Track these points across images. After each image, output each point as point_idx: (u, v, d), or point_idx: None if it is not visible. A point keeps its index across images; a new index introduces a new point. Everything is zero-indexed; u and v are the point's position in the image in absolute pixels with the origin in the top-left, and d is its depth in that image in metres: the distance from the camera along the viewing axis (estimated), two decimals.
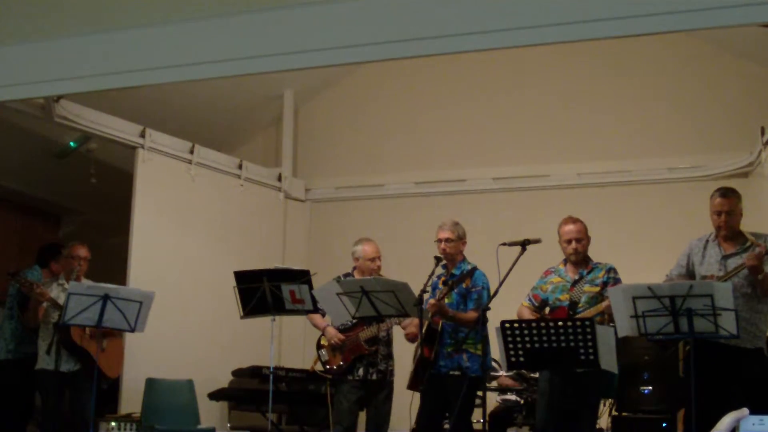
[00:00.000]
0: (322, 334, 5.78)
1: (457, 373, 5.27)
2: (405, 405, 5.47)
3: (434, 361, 5.30)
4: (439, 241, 5.47)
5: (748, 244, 4.76)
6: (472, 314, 5.24)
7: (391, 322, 5.64)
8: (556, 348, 4.37)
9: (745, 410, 1.40)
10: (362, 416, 5.81)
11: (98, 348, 5.59)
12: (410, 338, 5.58)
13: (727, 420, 1.40)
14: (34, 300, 5.81)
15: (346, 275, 5.76)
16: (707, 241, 4.94)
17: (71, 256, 5.97)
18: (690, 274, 4.92)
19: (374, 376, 5.64)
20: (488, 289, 5.30)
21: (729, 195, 4.87)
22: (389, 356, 5.75)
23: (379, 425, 5.68)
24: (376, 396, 5.66)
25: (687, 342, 4.58)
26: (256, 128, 9.37)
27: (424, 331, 5.25)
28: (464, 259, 5.51)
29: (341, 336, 5.67)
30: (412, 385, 5.44)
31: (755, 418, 1.38)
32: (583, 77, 8.15)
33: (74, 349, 5.73)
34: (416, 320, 5.39)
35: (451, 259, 5.48)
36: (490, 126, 8.45)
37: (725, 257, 4.82)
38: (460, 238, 5.49)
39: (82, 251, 6.00)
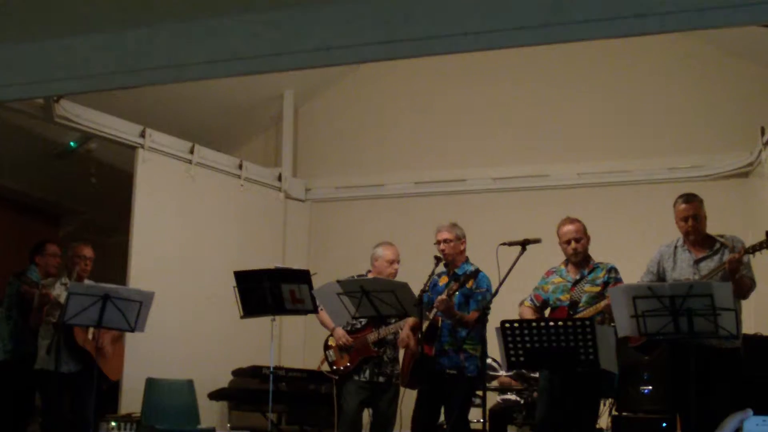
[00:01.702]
0: (330, 335, 5.79)
1: (453, 372, 5.27)
2: (407, 405, 5.48)
3: (434, 358, 5.29)
4: (438, 242, 5.48)
5: (718, 246, 4.82)
6: (475, 315, 5.25)
7: (399, 326, 5.65)
8: (556, 348, 4.37)
9: (749, 410, 1.40)
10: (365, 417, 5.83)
11: (96, 348, 5.59)
12: (402, 345, 5.58)
13: (730, 421, 1.39)
14: (38, 301, 5.80)
15: (360, 276, 5.77)
16: (676, 246, 4.99)
17: (76, 255, 5.96)
18: (661, 280, 4.93)
19: (380, 379, 5.65)
20: (491, 292, 5.31)
21: (692, 200, 4.92)
22: (395, 359, 5.76)
23: (384, 426, 5.69)
24: (382, 398, 5.66)
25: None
26: (256, 128, 9.37)
27: (425, 328, 5.25)
28: (467, 260, 5.52)
29: (349, 338, 5.67)
30: (411, 383, 5.44)
31: (759, 419, 1.38)
32: (583, 77, 8.15)
33: (76, 350, 5.73)
34: (408, 331, 5.41)
35: (452, 260, 5.48)
36: (490, 126, 8.44)
37: (697, 261, 4.87)
38: (459, 239, 5.50)
39: (88, 251, 6.00)
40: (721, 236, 4.86)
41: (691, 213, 4.87)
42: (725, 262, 4.65)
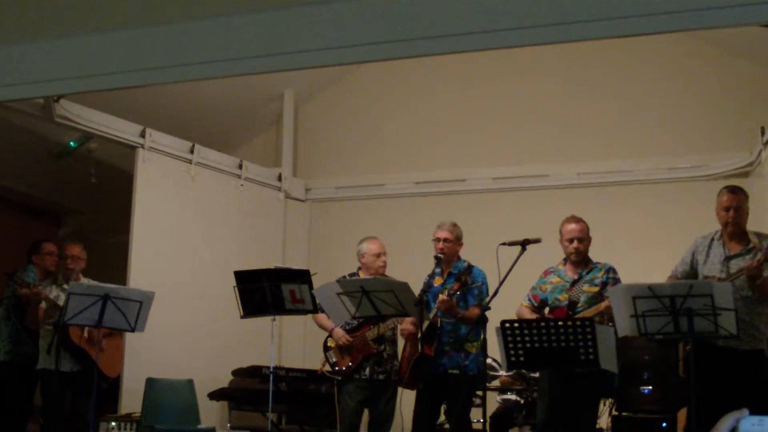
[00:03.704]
0: (329, 336, 5.77)
1: (456, 371, 5.27)
2: (407, 405, 5.47)
3: (434, 358, 5.29)
4: (437, 240, 5.47)
5: (751, 245, 4.78)
6: (475, 311, 5.25)
7: (396, 321, 5.63)
8: (556, 348, 4.37)
9: (745, 410, 1.40)
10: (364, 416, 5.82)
11: (97, 348, 5.59)
12: (405, 334, 5.54)
13: (726, 420, 1.39)
14: (32, 301, 5.80)
15: (351, 275, 5.75)
16: (712, 239, 4.94)
17: (65, 255, 5.97)
18: (694, 271, 4.92)
19: (380, 376, 5.64)
20: (487, 284, 5.32)
21: (737, 192, 4.89)
22: (394, 356, 5.74)
23: (382, 425, 5.68)
24: (381, 396, 5.66)
25: (687, 342, 4.59)
26: (256, 128, 9.37)
27: (424, 328, 5.25)
28: (459, 259, 5.52)
29: (349, 337, 5.66)
30: (410, 383, 5.42)
31: (755, 419, 1.38)
32: (583, 77, 8.15)
33: (73, 349, 5.73)
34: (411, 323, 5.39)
35: (448, 259, 5.48)
36: (490, 126, 8.44)
37: (728, 258, 4.83)
38: (458, 239, 5.49)
39: (75, 250, 6.00)
40: (758, 234, 4.82)
41: (735, 204, 4.83)
42: (746, 266, 4.63)
